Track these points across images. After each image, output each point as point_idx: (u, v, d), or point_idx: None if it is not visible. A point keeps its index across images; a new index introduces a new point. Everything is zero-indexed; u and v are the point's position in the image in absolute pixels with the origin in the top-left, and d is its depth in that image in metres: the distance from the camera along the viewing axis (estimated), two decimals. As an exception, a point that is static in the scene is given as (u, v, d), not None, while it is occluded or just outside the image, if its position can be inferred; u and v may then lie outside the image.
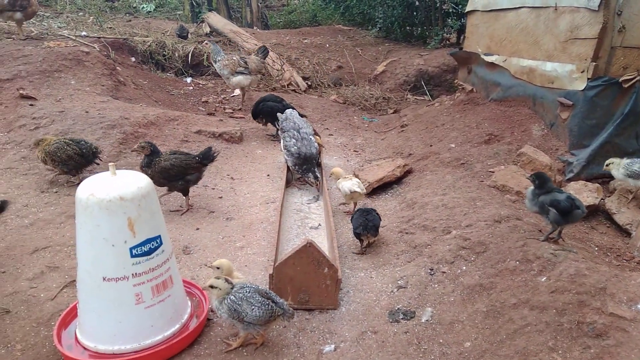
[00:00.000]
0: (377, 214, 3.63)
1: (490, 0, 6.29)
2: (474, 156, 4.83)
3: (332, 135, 6.70)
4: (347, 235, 3.88)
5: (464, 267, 3.12)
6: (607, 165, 4.06)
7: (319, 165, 5.09)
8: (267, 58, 7.54)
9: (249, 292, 2.54)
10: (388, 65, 9.67)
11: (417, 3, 11.12)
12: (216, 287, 2.53)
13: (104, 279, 2.41)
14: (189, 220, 4.13)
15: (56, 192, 4.28)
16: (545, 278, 2.75)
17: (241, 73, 7.04)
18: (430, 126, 6.07)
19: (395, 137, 6.26)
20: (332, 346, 2.67)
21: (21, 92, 5.73)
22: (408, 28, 11.67)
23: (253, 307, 2.49)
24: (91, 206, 2.36)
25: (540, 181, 3.11)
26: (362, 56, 10.42)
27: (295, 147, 4.64)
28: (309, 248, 2.87)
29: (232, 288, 2.55)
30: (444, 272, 3.15)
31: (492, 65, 6.21)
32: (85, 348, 2.52)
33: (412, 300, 2.99)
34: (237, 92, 8.42)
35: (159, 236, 2.56)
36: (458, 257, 3.21)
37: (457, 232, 3.43)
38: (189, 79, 8.85)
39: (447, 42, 10.77)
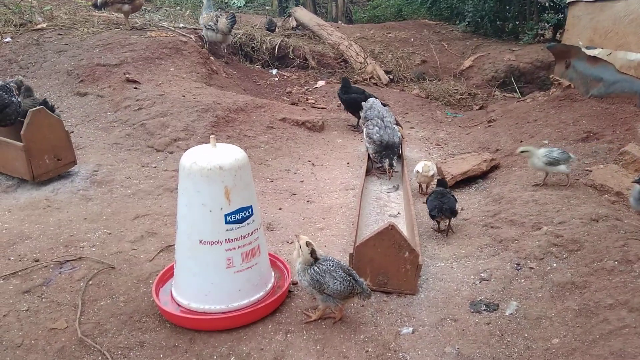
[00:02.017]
0: (453, 196, 3.64)
1: (597, -11, 5.85)
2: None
3: (413, 128, 6.61)
4: (427, 226, 3.83)
5: (555, 264, 2.96)
6: (522, 152, 4.07)
7: (399, 156, 5.06)
8: (234, 26, 8.16)
9: (333, 265, 2.60)
10: (475, 61, 9.33)
11: (510, -4, 10.61)
12: (300, 248, 2.61)
13: (200, 242, 2.59)
14: (272, 200, 4.30)
15: (155, 167, 4.64)
16: (648, 281, 2.54)
17: (210, 29, 7.77)
18: (521, 122, 5.78)
19: (481, 132, 6.04)
20: (410, 329, 2.66)
21: (127, 76, 6.27)
22: (499, 23, 11.16)
23: (335, 280, 2.55)
24: (193, 173, 2.55)
25: (650, 178, 2.86)
26: (448, 51, 10.14)
27: (378, 135, 4.65)
28: (391, 231, 2.88)
29: (315, 260, 2.62)
30: (531, 268, 3.01)
31: (594, 59, 5.78)
32: (179, 305, 2.73)
33: (496, 293, 2.90)
34: (320, 83, 8.60)
35: (251, 206, 2.69)
36: (548, 254, 3.05)
37: (549, 228, 3.26)
38: (274, 71, 9.15)
39: (542, 37, 10.16)
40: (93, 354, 2.43)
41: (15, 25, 8.07)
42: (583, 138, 4.83)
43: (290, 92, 8.02)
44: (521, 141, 5.23)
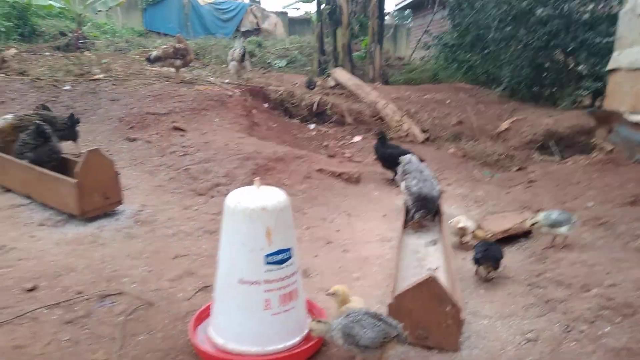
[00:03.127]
0: (500, 248, 3.66)
1: (638, 58, 5.89)
2: (617, 217, 4.39)
3: (450, 185, 6.58)
4: (468, 282, 3.71)
5: (607, 329, 2.79)
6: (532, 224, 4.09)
7: (437, 212, 5.01)
8: (245, 55, 9.53)
9: (359, 314, 2.55)
10: (513, 123, 9.35)
11: (547, 64, 10.76)
12: (316, 330, 2.59)
13: (239, 281, 2.60)
14: (308, 247, 4.29)
15: (196, 209, 4.76)
16: None
17: (231, 60, 9.35)
18: (563, 184, 5.68)
19: (521, 192, 5.95)
20: (453, 387, 2.52)
21: (174, 124, 6.62)
22: (536, 89, 11.26)
23: (365, 329, 2.48)
24: (237, 213, 2.61)
25: None
26: (485, 113, 10.23)
27: (417, 187, 4.66)
28: (431, 283, 2.81)
29: (329, 326, 2.58)
30: (581, 331, 2.84)
31: (638, 125, 5.71)
32: (215, 345, 2.69)
33: (544, 355, 2.73)
34: (357, 139, 8.78)
35: (290, 249, 2.71)
36: (599, 317, 2.89)
37: (598, 290, 3.11)
38: (312, 126, 9.43)
39: (580, 104, 10.15)
40: (128, 389, 2.41)
41: (74, 75, 8.74)
42: (631, 202, 4.68)
43: (327, 146, 8.21)
44: (564, 202, 5.11)
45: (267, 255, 2.60)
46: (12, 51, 11.06)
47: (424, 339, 2.87)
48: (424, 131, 9.42)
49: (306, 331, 2.83)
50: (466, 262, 4.09)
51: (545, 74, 10.92)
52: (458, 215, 4.47)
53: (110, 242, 3.96)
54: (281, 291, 2.65)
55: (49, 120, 5.12)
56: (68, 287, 3.23)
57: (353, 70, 13.92)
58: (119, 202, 4.44)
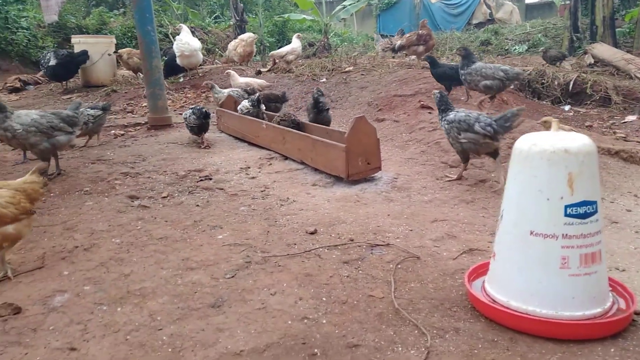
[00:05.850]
0: None
1: None
2: None
3: None
4: None
5: None
6: None
7: None
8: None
9: None
10: None
11: None
12: None
13: (531, 233, 2.31)
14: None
15: (449, 180, 4.63)
16: None
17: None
18: None
19: None
20: None
21: (421, 103, 6.65)
22: None
23: None
24: (531, 156, 2.33)
25: None
26: None
27: None
28: None
29: None
30: None
31: None
32: (494, 301, 2.48)
33: None
34: (630, 118, 7.31)
35: (596, 202, 2.29)
36: None
37: None
38: (567, 107, 8.29)
39: None
40: (408, 327, 2.40)
41: (328, 70, 9.72)
42: None
43: (591, 126, 7.05)
44: None
45: (568, 206, 2.24)
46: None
47: None
48: None
49: (609, 304, 2.36)
50: None
51: None
52: None
53: (372, 203, 4.15)
54: (582, 250, 2.26)
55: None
56: (341, 234, 3.49)
57: (616, 44, 11.76)
58: (378, 168, 4.64)
